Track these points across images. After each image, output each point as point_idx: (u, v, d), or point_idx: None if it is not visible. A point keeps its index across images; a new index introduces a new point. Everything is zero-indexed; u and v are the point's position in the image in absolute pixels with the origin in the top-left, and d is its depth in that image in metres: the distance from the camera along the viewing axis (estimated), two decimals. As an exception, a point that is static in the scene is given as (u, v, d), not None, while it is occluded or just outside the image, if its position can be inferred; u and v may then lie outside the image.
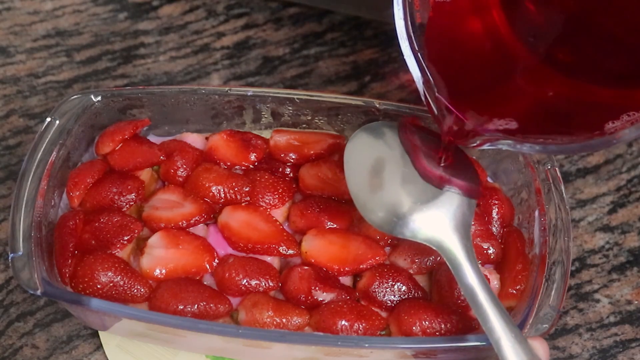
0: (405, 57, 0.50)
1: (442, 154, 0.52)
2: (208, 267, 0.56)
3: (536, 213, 0.57)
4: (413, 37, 0.50)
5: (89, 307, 0.50)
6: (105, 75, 0.77)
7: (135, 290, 0.54)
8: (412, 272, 0.56)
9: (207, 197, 0.59)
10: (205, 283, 0.55)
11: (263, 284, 0.55)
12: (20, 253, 0.51)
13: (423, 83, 0.50)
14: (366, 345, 0.50)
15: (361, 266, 0.56)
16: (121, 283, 0.54)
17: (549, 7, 0.52)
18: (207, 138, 0.63)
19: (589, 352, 0.61)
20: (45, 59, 0.78)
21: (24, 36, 0.80)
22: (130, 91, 0.63)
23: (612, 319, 0.62)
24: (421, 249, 0.56)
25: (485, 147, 0.49)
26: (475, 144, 0.50)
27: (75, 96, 0.61)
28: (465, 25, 0.53)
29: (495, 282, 0.55)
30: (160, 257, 0.55)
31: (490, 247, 0.57)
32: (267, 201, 0.59)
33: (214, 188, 0.59)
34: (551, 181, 0.58)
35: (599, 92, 0.49)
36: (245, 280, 0.54)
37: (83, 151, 0.61)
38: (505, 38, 0.53)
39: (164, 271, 0.55)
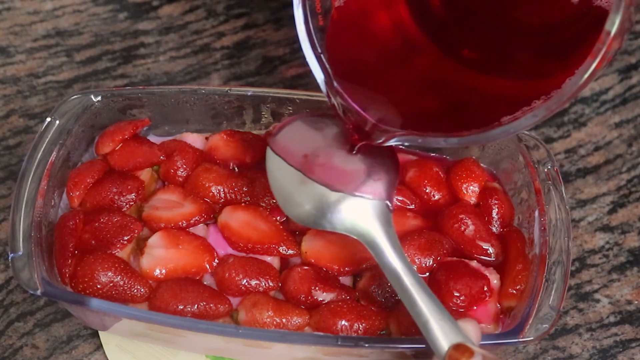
0: (307, 59, 0.50)
1: (351, 151, 0.53)
2: (208, 267, 0.56)
3: (536, 213, 0.57)
4: (315, 39, 0.50)
5: (89, 307, 0.50)
6: (105, 75, 0.77)
7: (135, 290, 0.54)
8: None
9: (207, 197, 0.59)
10: (205, 283, 0.55)
11: (263, 284, 0.55)
12: (20, 253, 0.51)
13: (326, 84, 0.51)
14: (366, 345, 0.50)
15: (361, 266, 0.56)
16: (121, 283, 0.54)
17: (454, 3, 0.52)
18: (207, 138, 0.63)
19: (589, 352, 0.61)
20: (45, 59, 0.78)
21: (24, 36, 0.80)
22: (130, 91, 0.63)
23: (612, 319, 0.62)
24: (421, 249, 0.56)
25: (391, 142, 0.50)
26: (381, 141, 0.50)
27: (75, 96, 0.61)
28: (369, 24, 0.54)
29: (495, 282, 0.55)
30: (160, 257, 0.55)
31: (490, 247, 0.57)
32: (267, 201, 0.59)
33: (213, 188, 0.59)
34: (551, 181, 0.58)
35: (502, 84, 0.50)
36: (245, 280, 0.54)
37: (83, 151, 0.61)
38: (410, 35, 0.53)
39: (164, 271, 0.55)
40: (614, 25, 0.39)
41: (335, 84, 0.51)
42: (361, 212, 0.51)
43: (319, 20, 0.51)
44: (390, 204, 0.52)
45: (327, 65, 0.51)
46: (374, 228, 0.50)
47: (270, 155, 0.54)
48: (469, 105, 0.51)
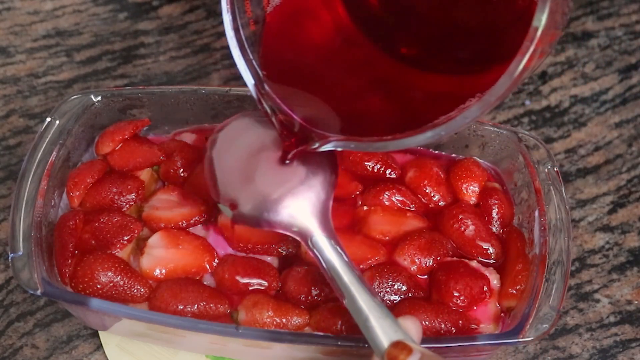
0: (236, 63, 0.50)
1: (286, 157, 0.52)
2: (208, 267, 0.56)
3: (536, 213, 0.57)
4: (246, 44, 0.50)
5: (89, 307, 0.50)
6: (105, 75, 0.77)
7: (135, 290, 0.54)
8: (412, 272, 0.56)
9: (207, 197, 0.59)
10: (205, 283, 0.55)
11: (263, 283, 0.55)
12: (20, 253, 0.51)
13: (255, 87, 0.50)
14: (366, 345, 0.50)
15: (361, 266, 0.56)
16: (121, 283, 0.54)
17: (390, 2, 0.52)
18: (206, 138, 0.63)
19: (589, 352, 0.61)
20: (45, 59, 0.78)
21: (24, 36, 0.80)
22: (130, 91, 0.63)
23: (612, 319, 0.62)
24: (421, 249, 0.56)
25: (326, 147, 0.49)
26: (315, 146, 0.50)
27: (75, 96, 0.61)
28: (305, 27, 0.54)
29: (495, 282, 0.55)
30: (160, 257, 0.55)
31: (490, 247, 0.57)
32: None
33: (214, 188, 0.59)
34: (551, 181, 0.58)
35: (440, 82, 0.50)
36: (245, 280, 0.54)
37: (83, 151, 0.61)
38: (348, 35, 0.53)
39: (164, 271, 0.55)
40: (541, 21, 0.39)
41: (266, 88, 0.50)
42: (299, 211, 0.51)
43: (251, 25, 0.50)
44: (327, 202, 0.52)
45: (259, 70, 0.50)
46: (312, 225, 0.50)
47: (208, 157, 0.53)
48: (407, 106, 0.51)
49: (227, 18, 0.49)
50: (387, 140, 0.46)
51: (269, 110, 0.51)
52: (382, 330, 0.44)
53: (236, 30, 0.49)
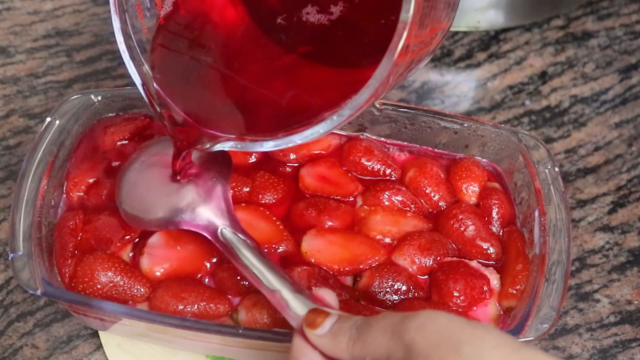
0: (126, 65, 0.50)
1: (178, 163, 0.53)
2: (208, 267, 0.56)
3: (536, 213, 0.57)
4: (137, 48, 0.51)
5: (89, 307, 0.50)
6: (105, 75, 0.77)
7: (135, 290, 0.54)
8: (412, 272, 0.56)
9: (207, 197, 0.59)
10: (205, 283, 0.55)
11: (263, 284, 0.55)
12: (20, 253, 0.51)
13: (143, 88, 0.51)
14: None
15: (361, 266, 0.56)
16: (121, 283, 0.54)
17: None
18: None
19: (589, 352, 0.61)
20: (45, 59, 0.78)
21: (24, 36, 0.80)
22: (130, 91, 0.63)
23: (612, 319, 0.62)
24: (421, 249, 0.56)
25: (217, 147, 0.50)
26: (207, 147, 0.50)
27: (75, 96, 0.61)
28: (198, 27, 0.54)
29: (495, 282, 0.55)
30: (160, 257, 0.55)
31: (490, 247, 0.57)
32: (267, 201, 0.59)
33: (213, 188, 0.59)
34: (551, 181, 0.58)
35: (329, 76, 0.51)
36: (245, 280, 0.54)
37: (83, 151, 0.61)
38: (241, 31, 0.53)
39: (163, 271, 0.55)
40: (407, 15, 0.39)
41: (155, 88, 0.51)
42: (200, 211, 0.53)
43: (143, 30, 0.51)
44: (226, 193, 0.54)
45: (149, 72, 0.51)
46: (213, 216, 0.52)
47: (119, 182, 0.56)
48: (296, 100, 0.51)
49: (116, 24, 0.50)
50: (274, 139, 0.47)
51: (159, 111, 0.51)
52: (298, 301, 0.45)
53: (126, 35, 0.50)
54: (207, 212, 0.53)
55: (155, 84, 0.51)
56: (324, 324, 0.42)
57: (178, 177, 0.53)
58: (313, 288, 0.48)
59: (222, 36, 0.54)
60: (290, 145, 0.46)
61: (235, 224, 0.52)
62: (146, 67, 0.51)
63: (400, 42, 0.39)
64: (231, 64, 0.53)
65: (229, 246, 0.51)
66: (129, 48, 0.50)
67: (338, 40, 0.52)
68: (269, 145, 0.47)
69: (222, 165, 0.55)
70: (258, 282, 0.48)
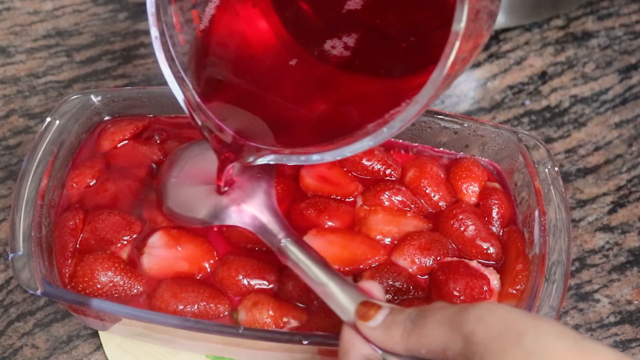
0: (166, 79, 0.50)
1: (222, 176, 0.53)
2: (208, 267, 0.56)
3: (536, 213, 0.57)
4: (176, 59, 0.50)
5: (89, 307, 0.50)
6: (105, 75, 0.77)
7: (135, 290, 0.54)
8: (412, 272, 0.56)
9: (207, 197, 0.59)
10: (205, 283, 0.55)
11: (263, 283, 0.55)
12: (20, 253, 0.51)
13: (186, 103, 0.50)
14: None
15: (361, 266, 0.56)
16: (121, 283, 0.54)
17: (322, 7, 0.52)
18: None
19: (589, 352, 0.60)
20: (45, 59, 0.78)
21: (24, 36, 0.80)
22: (130, 91, 0.63)
23: (612, 319, 0.62)
24: (421, 249, 0.56)
25: (260, 161, 0.50)
26: (250, 161, 0.50)
27: (75, 96, 0.61)
28: (236, 40, 0.54)
29: (495, 282, 0.55)
30: (160, 257, 0.55)
31: (490, 247, 0.57)
32: (267, 201, 0.59)
33: (213, 188, 0.59)
34: (551, 181, 0.58)
35: (371, 87, 0.51)
36: (245, 280, 0.54)
37: (83, 151, 0.61)
38: (281, 45, 0.53)
39: (164, 271, 0.55)
40: (460, 26, 0.38)
41: (198, 102, 0.50)
42: (245, 207, 0.53)
43: (181, 41, 0.50)
44: (269, 188, 0.55)
45: (191, 85, 0.50)
46: (260, 214, 0.53)
47: (162, 180, 0.56)
48: (339, 112, 0.51)
49: (154, 33, 0.49)
50: (321, 152, 0.46)
51: (201, 125, 0.51)
52: (346, 295, 0.45)
53: (165, 46, 0.49)
54: (251, 208, 0.53)
55: (196, 98, 0.50)
56: (377, 316, 0.42)
57: (225, 189, 0.54)
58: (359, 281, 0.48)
59: (259, 49, 0.54)
60: (337, 158, 0.46)
61: (280, 220, 0.52)
62: (187, 81, 0.50)
63: (453, 53, 0.39)
64: (270, 76, 0.53)
65: (276, 242, 0.51)
66: (168, 60, 0.49)
67: (377, 50, 0.51)
68: (315, 158, 0.47)
69: (269, 174, 0.56)
70: (305, 276, 0.48)
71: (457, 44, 0.39)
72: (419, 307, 0.42)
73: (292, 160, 0.48)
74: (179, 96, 0.50)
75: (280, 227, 0.52)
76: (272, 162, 0.49)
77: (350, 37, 0.51)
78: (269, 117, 0.52)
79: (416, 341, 0.40)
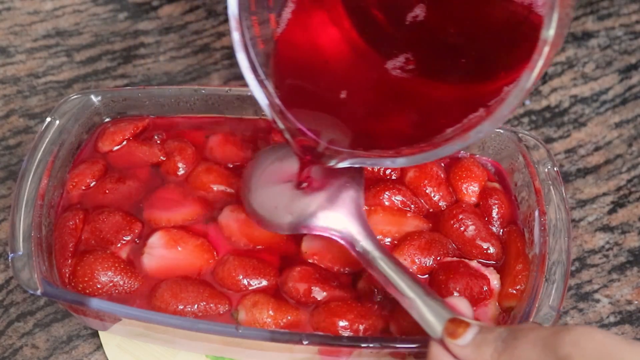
0: (249, 84, 0.49)
1: (302, 178, 0.53)
2: (208, 267, 0.56)
3: (536, 213, 0.57)
4: (257, 63, 0.50)
5: (89, 307, 0.50)
6: (105, 75, 0.77)
7: (135, 290, 0.54)
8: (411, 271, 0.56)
9: (207, 196, 0.59)
10: (205, 283, 0.55)
11: (263, 283, 0.55)
12: (20, 253, 0.51)
13: (270, 107, 0.50)
14: (366, 345, 0.50)
15: (361, 266, 0.56)
16: (121, 283, 0.54)
17: (394, 14, 0.52)
18: (206, 137, 0.63)
19: (589, 352, 0.60)
20: (45, 59, 0.78)
21: (24, 36, 0.80)
22: (130, 91, 0.63)
23: (612, 319, 0.62)
24: (421, 249, 0.56)
25: (343, 164, 0.50)
26: (332, 164, 0.50)
27: (75, 96, 0.61)
28: (313, 45, 0.54)
29: (495, 282, 0.55)
30: (160, 256, 0.55)
31: (491, 247, 0.57)
32: (267, 201, 0.59)
33: (214, 187, 0.59)
34: (551, 181, 0.58)
35: (446, 92, 0.51)
36: (245, 280, 0.54)
37: (83, 151, 0.61)
38: (355, 51, 0.54)
39: (163, 271, 0.55)
40: (549, 33, 0.39)
41: (281, 107, 0.50)
42: (332, 216, 0.52)
43: (259, 44, 0.50)
44: (358, 197, 0.54)
45: (272, 89, 0.50)
46: (348, 223, 0.52)
47: (245, 186, 0.56)
48: (418, 117, 0.51)
49: (236, 37, 0.48)
50: (406, 156, 0.47)
51: (283, 128, 0.51)
52: (434, 311, 0.45)
53: (246, 49, 0.49)
54: (339, 216, 0.52)
55: (278, 102, 0.50)
56: (466, 334, 0.43)
57: (310, 194, 0.53)
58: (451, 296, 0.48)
59: (333, 53, 0.54)
60: (424, 162, 0.46)
61: (368, 230, 0.52)
62: (268, 83, 0.50)
63: (541, 60, 0.39)
64: (345, 81, 0.53)
65: (364, 254, 0.51)
66: (251, 65, 0.49)
67: (447, 56, 0.52)
68: (400, 162, 0.47)
69: (354, 171, 0.55)
70: (393, 289, 0.48)
71: (546, 50, 0.39)
72: (509, 327, 0.42)
73: (376, 163, 0.48)
74: (263, 101, 0.50)
75: (369, 239, 0.51)
76: (355, 165, 0.50)
77: (421, 43, 0.52)
78: (347, 121, 0.52)
79: None
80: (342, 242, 0.52)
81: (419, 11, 0.51)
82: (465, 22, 0.51)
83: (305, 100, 0.52)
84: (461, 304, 0.46)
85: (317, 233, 0.52)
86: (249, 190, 0.55)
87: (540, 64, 0.39)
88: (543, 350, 0.39)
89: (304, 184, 0.53)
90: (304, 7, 0.52)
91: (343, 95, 0.53)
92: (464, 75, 0.51)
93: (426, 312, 0.45)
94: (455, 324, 0.43)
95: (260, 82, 0.50)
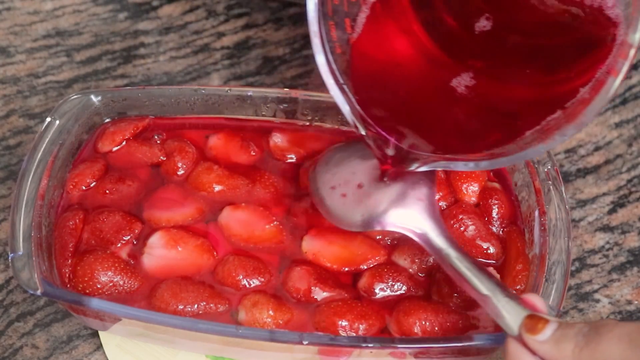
0: (330, 91, 0.49)
1: (380, 179, 0.53)
2: (208, 267, 0.56)
3: (536, 213, 0.57)
4: (336, 70, 0.50)
5: (88, 307, 0.50)
6: (105, 75, 0.77)
7: (135, 290, 0.54)
8: (412, 272, 0.56)
9: (207, 196, 0.59)
10: (205, 283, 0.55)
11: (263, 283, 0.55)
12: (20, 253, 0.51)
13: (352, 114, 0.50)
14: (366, 345, 0.50)
15: (361, 266, 0.56)
16: (121, 283, 0.54)
17: (465, 16, 0.53)
18: (206, 137, 0.63)
19: (589, 352, 0.60)
20: (45, 59, 0.78)
21: (24, 36, 0.80)
22: (130, 91, 0.63)
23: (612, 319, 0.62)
24: (421, 249, 0.56)
25: (424, 168, 0.50)
26: (413, 167, 0.50)
27: (75, 96, 0.61)
28: (388, 50, 0.54)
29: (495, 282, 0.55)
30: (160, 256, 0.55)
31: (491, 247, 0.57)
32: (267, 200, 0.59)
33: (214, 187, 0.59)
34: (551, 181, 0.58)
35: (521, 93, 0.51)
36: (245, 280, 0.54)
37: (83, 151, 0.61)
38: (429, 55, 0.54)
39: (164, 271, 0.55)
40: (635, 38, 0.39)
41: (361, 113, 0.51)
42: (406, 213, 0.53)
43: (337, 49, 0.50)
44: (431, 194, 0.54)
45: (351, 95, 0.50)
46: (422, 220, 0.52)
47: (315, 184, 0.56)
48: (496, 120, 0.52)
49: (317, 45, 0.48)
50: (489, 159, 0.47)
51: (365, 134, 0.51)
52: (510, 307, 0.45)
53: (325, 55, 0.49)
54: (414, 214, 0.53)
55: (358, 107, 0.51)
56: (545, 330, 0.43)
57: (377, 183, 0.54)
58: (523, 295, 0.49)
59: (406, 57, 0.54)
60: (508, 164, 0.48)
61: (443, 229, 0.52)
62: (347, 89, 0.50)
63: (627, 62, 0.40)
64: (419, 84, 0.54)
65: (438, 251, 0.51)
66: (331, 71, 0.49)
67: (520, 58, 0.52)
68: (483, 165, 0.48)
69: (429, 176, 0.55)
70: (468, 287, 0.48)
71: (632, 53, 0.40)
72: (589, 322, 0.42)
73: (459, 166, 0.49)
74: (344, 107, 0.50)
75: (443, 236, 0.51)
76: (438, 169, 0.50)
77: (493, 45, 0.52)
78: (426, 125, 0.52)
79: (590, 356, 0.40)
80: (416, 239, 0.52)
81: (488, 14, 0.51)
82: (534, 24, 0.51)
83: (382, 104, 0.52)
84: (536, 301, 0.46)
85: (391, 229, 0.53)
86: (319, 188, 0.56)
87: (625, 68, 0.40)
88: (630, 346, 0.38)
89: (378, 182, 0.54)
90: (376, 12, 0.52)
91: (420, 100, 0.53)
92: (537, 76, 0.51)
93: (502, 309, 0.46)
94: (534, 320, 0.44)
95: (341, 88, 0.50)
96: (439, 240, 0.51)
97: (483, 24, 0.51)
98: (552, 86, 0.49)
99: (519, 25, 0.51)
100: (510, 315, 0.45)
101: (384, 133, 0.51)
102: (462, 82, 0.52)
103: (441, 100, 0.53)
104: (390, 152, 0.51)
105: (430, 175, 0.55)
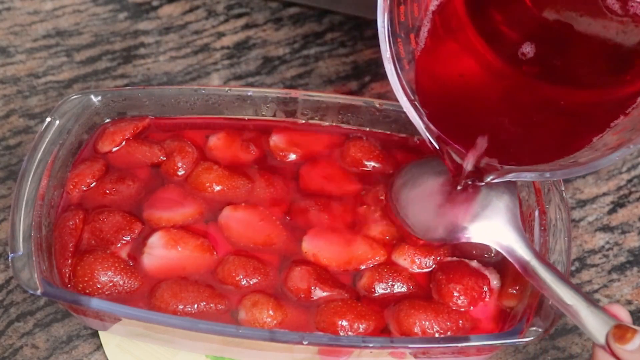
0: (404, 108, 0.50)
1: (462, 190, 0.54)
2: (208, 268, 0.56)
3: (536, 213, 0.57)
4: (405, 85, 0.50)
5: (88, 307, 0.50)
6: (105, 75, 0.77)
7: (135, 290, 0.54)
8: (412, 272, 0.56)
9: (207, 196, 0.59)
10: (205, 283, 0.55)
11: (263, 283, 0.55)
12: (20, 253, 0.51)
13: (427, 130, 0.51)
14: (366, 344, 0.50)
15: (361, 266, 0.56)
16: (121, 283, 0.54)
17: (525, 27, 0.53)
18: (206, 137, 0.63)
19: (588, 352, 0.60)
20: (45, 59, 0.78)
21: (24, 36, 0.80)
22: (130, 91, 0.63)
23: (612, 319, 0.62)
24: (421, 249, 0.56)
25: (500, 179, 0.51)
26: (489, 179, 0.51)
27: (75, 96, 0.61)
28: (451, 62, 0.55)
29: (495, 282, 0.55)
30: (160, 256, 0.55)
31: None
32: (267, 200, 0.59)
33: (214, 187, 0.59)
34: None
35: (584, 99, 0.51)
36: (245, 280, 0.54)
37: (83, 151, 0.61)
38: (491, 68, 0.54)
39: (164, 271, 0.55)
40: None
41: (432, 127, 0.51)
42: (491, 222, 0.53)
43: (405, 65, 0.51)
44: (512, 203, 0.54)
45: (422, 110, 0.51)
46: (505, 232, 0.53)
47: (396, 201, 0.57)
48: (564, 127, 0.52)
49: (388, 60, 0.49)
50: (565, 168, 0.48)
51: (439, 149, 0.51)
52: (596, 317, 0.46)
53: (398, 76, 0.49)
54: (497, 226, 0.53)
55: (430, 124, 0.51)
56: (634, 339, 0.43)
57: (457, 197, 0.54)
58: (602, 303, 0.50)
59: (472, 70, 0.55)
60: (582, 173, 0.48)
61: (524, 239, 0.52)
62: (417, 104, 0.51)
63: None
64: (489, 97, 0.54)
65: (524, 263, 0.51)
66: (404, 90, 0.49)
67: (578, 64, 0.53)
68: (559, 174, 0.48)
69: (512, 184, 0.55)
70: (553, 296, 0.49)
71: None
72: None
73: (535, 177, 0.49)
74: (418, 124, 0.51)
75: (526, 247, 0.52)
76: (514, 179, 0.50)
77: (552, 51, 0.53)
78: (497, 137, 0.52)
79: None
80: (501, 250, 0.52)
81: (544, 21, 0.52)
82: (585, 36, 0.51)
83: (450, 117, 0.53)
84: (620, 311, 0.47)
85: (476, 242, 0.53)
86: (402, 206, 0.56)
87: None
88: None
89: (457, 195, 0.54)
90: (436, 25, 0.53)
91: (488, 111, 0.53)
92: (591, 82, 0.52)
93: (587, 318, 0.46)
94: (623, 329, 0.44)
95: (413, 105, 0.50)
96: (523, 252, 0.51)
97: (537, 27, 0.52)
98: (614, 89, 0.50)
99: (574, 33, 0.52)
100: (595, 324, 0.46)
101: (458, 147, 0.51)
102: (526, 90, 0.53)
103: (507, 110, 0.54)
104: (468, 166, 0.51)
105: (511, 186, 0.55)
